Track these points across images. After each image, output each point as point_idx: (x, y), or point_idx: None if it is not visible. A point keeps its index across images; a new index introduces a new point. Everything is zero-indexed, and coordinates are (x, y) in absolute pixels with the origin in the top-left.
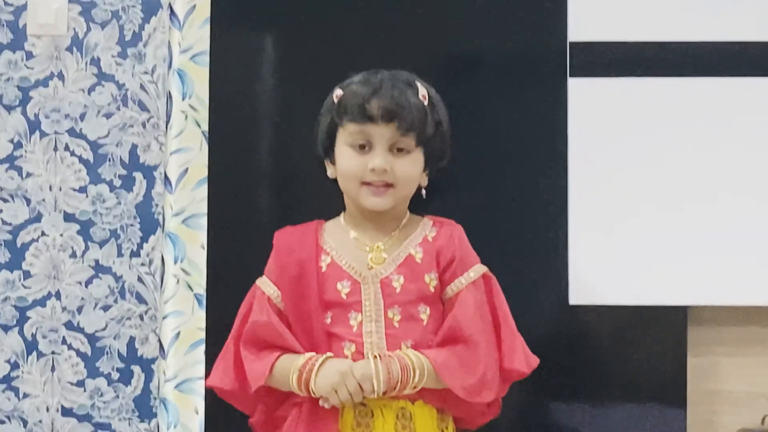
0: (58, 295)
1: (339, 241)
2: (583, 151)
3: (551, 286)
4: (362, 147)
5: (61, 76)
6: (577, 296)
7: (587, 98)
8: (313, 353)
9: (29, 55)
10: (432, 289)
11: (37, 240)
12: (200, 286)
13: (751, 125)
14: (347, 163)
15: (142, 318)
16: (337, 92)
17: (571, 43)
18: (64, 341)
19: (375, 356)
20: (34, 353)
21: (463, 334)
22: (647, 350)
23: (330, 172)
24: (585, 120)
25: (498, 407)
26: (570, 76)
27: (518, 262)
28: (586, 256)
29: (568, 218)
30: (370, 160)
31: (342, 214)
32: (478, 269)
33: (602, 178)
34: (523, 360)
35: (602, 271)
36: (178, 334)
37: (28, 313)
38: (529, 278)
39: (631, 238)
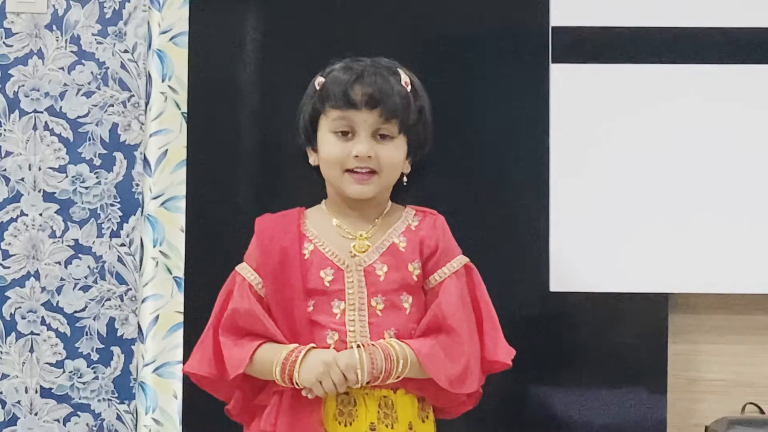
0: (37, 275)
1: (321, 228)
2: (565, 137)
3: (532, 273)
4: (345, 134)
5: (40, 54)
6: (558, 283)
7: (569, 84)
8: (296, 345)
9: (8, 33)
10: (415, 278)
11: (16, 219)
12: (179, 269)
13: (735, 113)
14: (330, 150)
15: (122, 299)
16: (319, 79)
17: (553, 27)
18: (43, 321)
19: (359, 346)
20: (13, 334)
21: (446, 324)
22: (628, 337)
23: (312, 160)
24: (567, 106)
25: (478, 397)
26: (552, 61)
27: (499, 248)
28: (567, 243)
29: (550, 205)
30: (354, 147)
31: (323, 202)
32: (461, 260)
33: (584, 164)
34: (506, 351)
35: (583, 258)
36: (157, 317)
37: (7, 293)
38: (510, 265)
39: (612, 225)
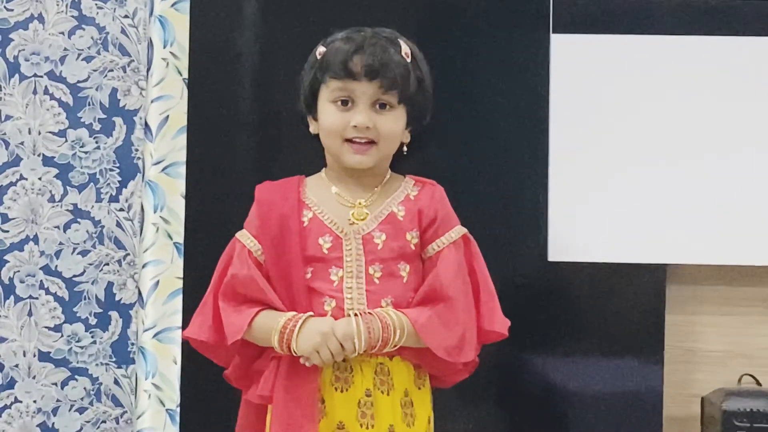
0: (36, 239)
1: (320, 196)
2: (565, 108)
3: (531, 243)
4: (344, 103)
5: (41, 19)
6: (556, 253)
7: (570, 55)
8: (293, 312)
9: None
10: (413, 247)
11: (15, 183)
12: (179, 235)
13: (735, 84)
14: (329, 120)
15: (120, 264)
16: (320, 49)
17: None
18: (41, 286)
19: (356, 314)
20: (12, 297)
21: (444, 293)
22: (626, 308)
23: (312, 128)
24: (567, 77)
25: (474, 366)
26: (553, 32)
27: (498, 218)
28: (566, 213)
29: (549, 175)
30: (353, 117)
31: (323, 170)
32: (459, 230)
33: (583, 135)
34: (503, 321)
35: (582, 228)
36: (157, 283)
37: (6, 257)
38: (508, 234)
39: (611, 196)
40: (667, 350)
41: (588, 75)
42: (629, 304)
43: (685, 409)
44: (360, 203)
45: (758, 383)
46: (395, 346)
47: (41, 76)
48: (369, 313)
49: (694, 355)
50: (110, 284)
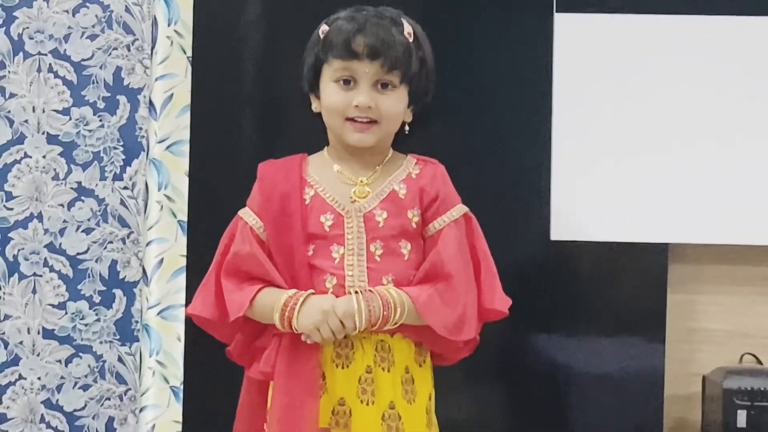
0: (40, 217)
1: (322, 174)
2: (568, 88)
3: (533, 222)
4: (347, 83)
5: None
6: (558, 232)
7: (574, 34)
8: (294, 290)
9: None
10: (414, 225)
11: (19, 161)
12: (184, 212)
13: (738, 65)
14: (332, 99)
15: (124, 241)
16: (323, 28)
17: None
18: (46, 263)
19: (356, 292)
20: (16, 275)
21: (444, 271)
22: (628, 287)
23: (314, 106)
24: (571, 57)
25: (475, 344)
26: (557, 11)
27: (501, 197)
28: (568, 192)
29: (551, 154)
30: (355, 97)
31: (325, 148)
32: (460, 209)
33: (586, 114)
34: (503, 300)
35: (584, 207)
36: (162, 260)
37: (10, 235)
38: (511, 213)
39: (613, 175)
40: (669, 329)
41: (592, 54)
42: (631, 283)
43: (687, 387)
44: (362, 181)
45: (759, 362)
46: (396, 323)
47: (45, 54)
48: (370, 290)
49: (695, 334)
50: (114, 262)
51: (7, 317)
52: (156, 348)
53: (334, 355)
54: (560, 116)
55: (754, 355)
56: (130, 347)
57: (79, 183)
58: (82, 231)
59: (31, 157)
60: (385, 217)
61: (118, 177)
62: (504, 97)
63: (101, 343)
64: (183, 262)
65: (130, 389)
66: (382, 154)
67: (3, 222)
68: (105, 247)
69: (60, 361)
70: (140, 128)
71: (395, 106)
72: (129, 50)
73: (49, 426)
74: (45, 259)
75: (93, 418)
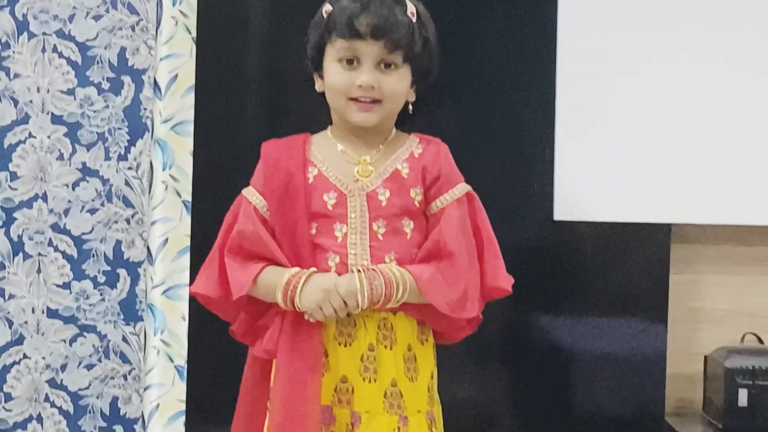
0: (44, 197)
1: (326, 154)
2: (572, 67)
3: (537, 202)
4: (350, 62)
5: None
6: (562, 212)
7: (577, 14)
8: (297, 269)
9: None
10: (417, 204)
11: (24, 141)
12: (188, 192)
13: (742, 41)
14: (335, 79)
15: (128, 222)
16: (327, 7)
17: None
18: (50, 243)
19: (359, 270)
20: (21, 254)
21: (447, 249)
22: (630, 266)
23: (318, 86)
24: (574, 35)
25: (477, 323)
26: None
27: (504, 177)
28: (572, 173)
29: (555, 134)
30: (358, 77)
31: (329, 128)
32: (463, 187)
33: (590, 94)
34: (506, 278)
35: (588, 188)
36: (166, 240)
37: (15, 215)
38: (515, 193)
39: (617, 156)
40: (672, 309)
41: (595, 32)
42: (634, 263)
43: (689, 367)
44: (365, 160)
45: (761, 341)
46: (398, 302)
47: (50, 34)
48: (372, 269)
49: (697, 314)
50: (118, 242)
51: (11, 297)
52: (161, 327)
53: (337, 333)
54: (563, 95)
55: (755, 335)
56: (134, 327)
57: (84, 163)
58: (87, 211)
59: (35, 137)
60: (387, 196)
61: (122, 157)
62: (507, 76)
63: (105, 322)
64: (187, 241)
65: (134, 369)
66: (385, 133)
67: (8, 202)
68: (109, 228)
69: (64, 341)
70: (145, 109)
71: (398, 85)
72: (134, 30)
73: (53, 405)
74: (50, 239)
75: (97, 397)
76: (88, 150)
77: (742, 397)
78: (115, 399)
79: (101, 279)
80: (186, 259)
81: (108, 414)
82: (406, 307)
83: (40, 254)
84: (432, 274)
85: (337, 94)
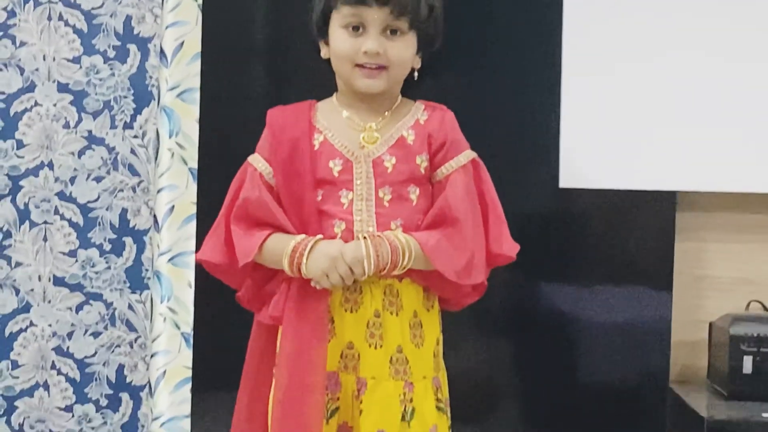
0: (50, 165)
1: (331, 120)
2: (579, 34)
3: (542, 169)
4: (356, 29)
5: None
6: (567, 179)
7: None
8: (303, 235)
9: None
10: (422, 171)
11: (30, 109)
12: (194, 160)
13: (749, 11)
14: (341, 46)
15: (134, 190)
16: None
17: None
18: (56, 211)
19: (365, 237)
20: (27, 222)
21: (452, 215)
22: (636, 234)
23: (324, 53)
24: (582, 3)
25: (483, 290)
26: None
27: (510, 144)
28: (577, 140)
29: (561, 102)
30: (363, 43)
31: (335, 95)
32: (468, 154)
33: (595, 62)
34: (511, 245)
35: (593, 155)
36: (173, 207)
37: (21, 182)
38: (520, 161)
39: (622, 123)
40: (677, 277)
41: (601, 2)
42: (639, 230)
43: (694, 334)
44: (370, 127)
45: (765, 309)
46: (404, 268)
47: (56, 2)
48: (378, 236)
49: (702, 282)
50: (124, 210)
51: (18, 265)
52: (167, 294)
53: (343, 300)
54: (569, 63)
55: (760, 302)
56: (140, 295)
57: (90, 131)
58: (93, 179)
59: (41, 105)
60: (393, 163)
61: (128, 126)
62: (513, 43)
63: (111, 290)
64: (193, 209)
65: (140, 336)
66: (390, 100)
67: (14, 170)
68: (115, 196)
69: (71, 309)
70: (150, 77)
71: (404, 52)
72: None
73: (60, 373)
74: (56, 207)
75: (103, 365)
76: (94, 118)
77: (747, 365)
78: (121, 366)
79: (107, 247)
80: (192, 227)
81: (114, 381)
82: (411, 273)
83: (46, 222)
84: (438, 241)
85: (342, 60)
